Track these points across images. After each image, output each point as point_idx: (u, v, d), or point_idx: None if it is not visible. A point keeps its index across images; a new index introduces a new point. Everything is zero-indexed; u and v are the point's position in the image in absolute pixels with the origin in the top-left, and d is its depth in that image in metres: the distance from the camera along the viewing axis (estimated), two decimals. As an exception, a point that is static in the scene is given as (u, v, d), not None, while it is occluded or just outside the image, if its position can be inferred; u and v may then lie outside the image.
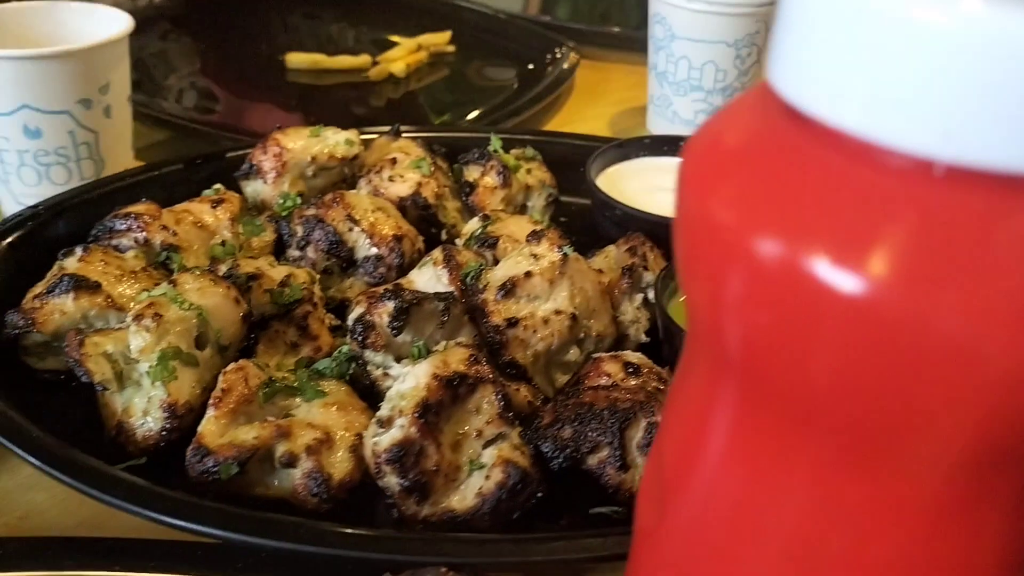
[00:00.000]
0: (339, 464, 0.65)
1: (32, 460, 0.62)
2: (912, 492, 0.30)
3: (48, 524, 0.69)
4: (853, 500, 0.30)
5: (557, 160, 1.05)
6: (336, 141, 0.96)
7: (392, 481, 0.63)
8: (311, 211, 0.88)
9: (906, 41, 0.24)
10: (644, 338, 0.83)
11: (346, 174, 0.99)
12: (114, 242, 0.82)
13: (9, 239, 0.84)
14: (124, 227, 0.82)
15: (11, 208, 0.99)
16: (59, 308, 0.74)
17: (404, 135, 1.03)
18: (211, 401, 0.65)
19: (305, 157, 0.95)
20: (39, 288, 0.76)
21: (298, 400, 0.69)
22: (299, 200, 0.93)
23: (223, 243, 0.86)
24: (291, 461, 0.64)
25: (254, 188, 0.95)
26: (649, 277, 0.84)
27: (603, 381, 0.72)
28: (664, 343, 0.79)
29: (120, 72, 0.99)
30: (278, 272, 0.79)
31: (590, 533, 0.60)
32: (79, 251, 0.78)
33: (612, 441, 0.66)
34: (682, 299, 0.81)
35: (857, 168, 0.26)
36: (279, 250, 0.91)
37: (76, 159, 0.97)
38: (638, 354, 0.76)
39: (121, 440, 0.68)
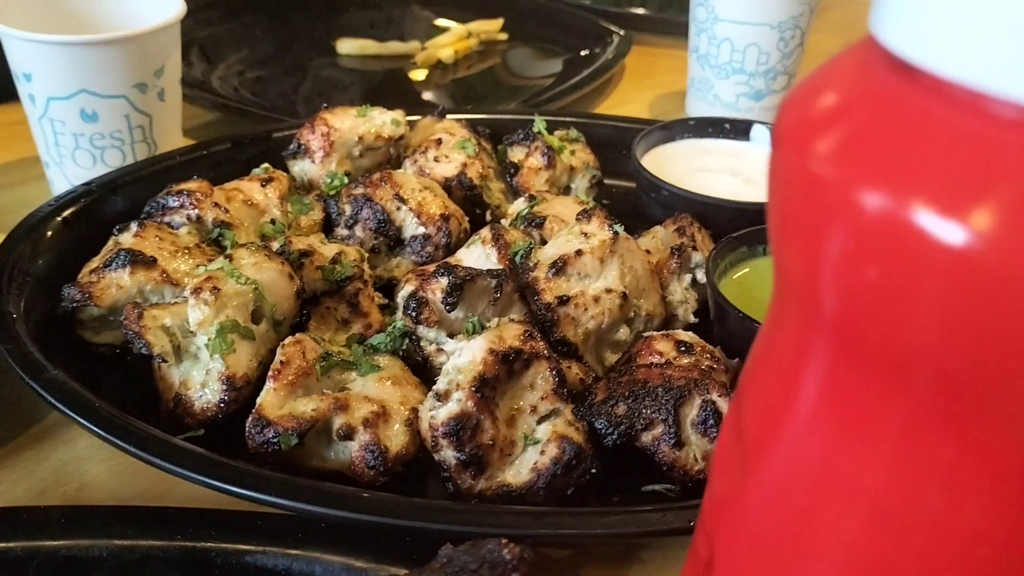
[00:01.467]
0: (395, 437, 0.65)
1: (97, 431, 0.62)
2: (1006, 452, 0.29)
3: (105, 495, 0.70)
4: (945, 460, 0.30)
5: (599, 142, 1.05)
6: (383, 121, 0.96)
7: (448, 454, 0.63)
8: (359, 190, 0.88)
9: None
10: (692, 318, 0.83)
11: (392, 154, 0.99)
12: (167, 219, 0.83)
13: (63, 215, 0.85)
14: (177, 204, 0.83)
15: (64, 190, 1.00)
16: (116, 282, 0.74)
17: (448, 116, 1.03)
18: (270, 373, 0.65)
19: (352, 137, 0.95)
20: (95, 263, 0.77)
21: (353, 374, 0.69)
22: (346, 179, 0.94)
23: (273, 221, 0.87)
24: (349, 433, 0.64)
25: (301, 167, 0.96)
26: (698, 257, 0.84)
27: (655, 359, 0.71)
28: (715, 323, 0.78)
29: (174, 56, 1.00)
30: (329, 249, 0.79)
31: (648, 508, 0.60)
32: (134, 227, 0.79)
33: (667, 418, 0.66)
34: (735, 277, 0.81)
35: (968, 120, 0.26)
36: (327, 229, 0.91)
37: (131, 142, 0.98)
38: (689, 332, 0.75)
39: (179, 412, 0.68)
